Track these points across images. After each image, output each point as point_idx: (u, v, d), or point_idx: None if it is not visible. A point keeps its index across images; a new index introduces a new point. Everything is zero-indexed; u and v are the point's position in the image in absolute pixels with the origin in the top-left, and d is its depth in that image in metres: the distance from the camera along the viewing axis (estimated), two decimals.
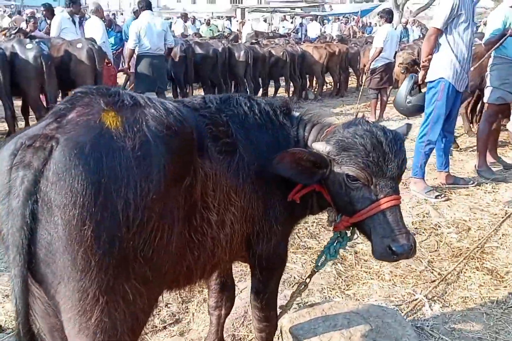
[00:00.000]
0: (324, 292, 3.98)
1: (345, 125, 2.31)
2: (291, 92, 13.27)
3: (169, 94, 11.42)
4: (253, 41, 14.02)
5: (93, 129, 1.55)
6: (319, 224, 5.25)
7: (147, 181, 1.58)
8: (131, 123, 1.63)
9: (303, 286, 2.78)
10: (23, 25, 12.04)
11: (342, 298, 3.89)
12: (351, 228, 2.42)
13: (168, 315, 3.64)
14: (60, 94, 8.91)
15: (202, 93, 12.08)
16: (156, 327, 3.49)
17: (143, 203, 1.56)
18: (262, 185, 2.25)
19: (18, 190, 1.45)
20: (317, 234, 5.09)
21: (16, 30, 9.01)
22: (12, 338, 3.12)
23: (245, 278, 4.12)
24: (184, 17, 20.32)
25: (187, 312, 3.70)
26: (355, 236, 2.54)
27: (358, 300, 3.86)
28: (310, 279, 2.82)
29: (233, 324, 3.50)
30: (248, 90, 12.00)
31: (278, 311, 2.75)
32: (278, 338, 3.12)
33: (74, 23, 9.92)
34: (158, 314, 3.64)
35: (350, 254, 4.63)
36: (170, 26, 14.27)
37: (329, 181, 2.26)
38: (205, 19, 21.15)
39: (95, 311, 1.55)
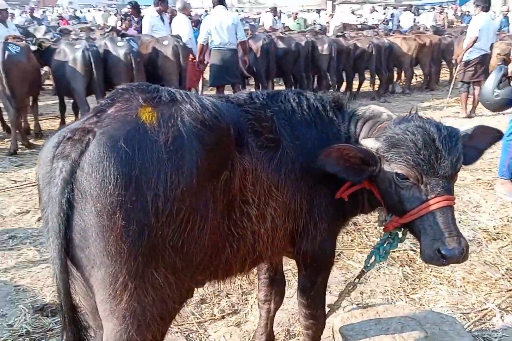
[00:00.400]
0: (387, 294, 3.85)
1: (396, 121, 2.21)
2: (376, 86, 12.87)
3: (252, 89, 11.60)
4: (339, 33, 13.74)
5: (128, 123, 1.65)
6: None
7: (177, 174, 1.64)
8: (166, 118, 1.70)
9: (351, 286, 2.72)
10: (118, 23, 12.80)
11: (406, 301, 3.74)
12: (402, 228, 2.32)
13: (228, 305, 3.74)
14: None
15: (284, 88, 12.12)
16: (214, 316, 3.61)
17: (172, 195, 1.63)
18: (308, 181, 2.23)
19: (57, 179, 1.59)
20: None
21: (109, 29, 9.60)
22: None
23: None
24: (274, 11, 20.46)
25: (246, 303, 3.77)
26: (407, 237, 2.44)
27: (423, 305, 3.70)
28: (359, 280, 2.75)
29: (289, 319, 3.52)
30: (331, 84, 11.84)
31: (326, 309, 2.71)
32: (332, 338, 3.09)
33: (163, 20, 10.38)
34: (218, 304, 3.76)
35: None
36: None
37: (379, 178, 2.18)
38: (292, 13, 21.10)
39: (124, 295, 1.64)
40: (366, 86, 13.25)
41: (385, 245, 2.51)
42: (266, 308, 2.92)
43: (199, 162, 1.71)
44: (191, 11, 12.24)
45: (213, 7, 9.07)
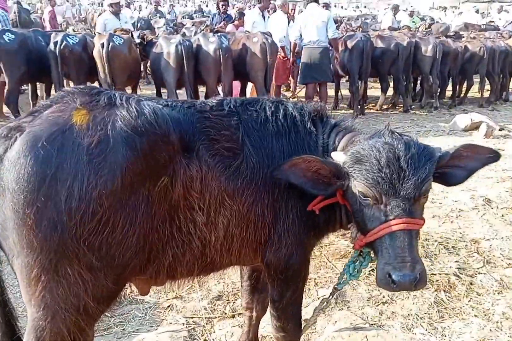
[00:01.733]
0: (409, 319, 3.61)
1: (368, 135, 2.11)
2: (486, 92, 11.84)
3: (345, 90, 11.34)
4: (449, 34, 12.82)
5: (56, 125, 1.75)
6: (441, 244, 4.72)
7: (96, 177, 1.71)
8: (97, 122, 1.78)
9: (325, 303, 2.62)
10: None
11: (426, 330, 3.48)
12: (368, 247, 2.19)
13: (241, 306, 3.77)
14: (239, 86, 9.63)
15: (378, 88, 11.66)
16: (225, 314, 3.67)
17: (88, 196, 1.70)
18: (272, 192, 2.17)
19: None
20: (435, 254, 4.58)
21: (204, 26, 9.99)
22: None
23: (328, 285, 4.00)
24: (395, 9, 19.63)
25: None
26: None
27: (445, 336, 3.41)
28: (332, 297, 2.62)
29: None
30: (433, 87, 11.14)
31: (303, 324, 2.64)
32: None
33: (264, 18, 10.54)
34: (233, 303, 3.81)
35: (462, 284, 4.07)
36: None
37: (347, 194, 2.10)
38: (411, 12, 20.03)
39: (38, 286, 1.76)
40: (474, 92, 12.26)
41: (356, 264, 2.40)
42: (248, 316, 2.91)
43: (126, 166, 1.76)
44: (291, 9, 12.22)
45: (307, 4, 9.00)
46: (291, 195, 2.21)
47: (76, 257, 1.76)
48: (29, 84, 9.60)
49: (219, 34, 8.75)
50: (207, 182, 2.02)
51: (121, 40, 8.67)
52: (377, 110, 11.41)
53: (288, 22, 10.39)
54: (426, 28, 15.91)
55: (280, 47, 9.57)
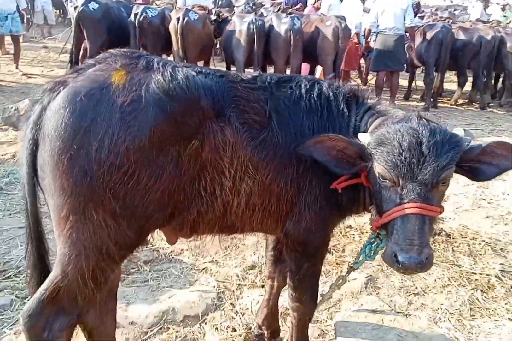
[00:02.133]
0: (438, 312, 3.55)
1: (396, 119, 2.12)
2: None
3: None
4: None
5: (96, 82, 1.90)
6: (489, 245, 4.55)
7: (125, 133, 1.84)
8: (133, 83, 1.91)
9: (341, 280, 2.68)
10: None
11: (453, 325, 3.42)
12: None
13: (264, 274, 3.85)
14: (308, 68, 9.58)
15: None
16: (255, 283, 3.80)
17: (116, 150, 1.84)
18: (298, 168, 2.23)
19: (30, 119, 1.94)
20: (480, 254, 4.43)
21: (279, 7, 9.99)
22: None
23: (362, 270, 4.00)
24: (485, 1, 18.58)
25: None
26: None
27: (471, 333, 3.34)
28: (348, 275, 2.69)
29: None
30: None
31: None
32: None
33: (341, 1, 10.37)
34: None
35: (502, 286, 3.92)
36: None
37: (370, 175, 2.13)
38: (504, 5, 18.76)
39: (66, 225, 1.93)
40: None
41: (372, 245, 2.44)
42: (270, 284, 3.00)
43: (155, 126, 1.88)
44: None
45: None
46: (316, 172, 2.25)
47: (102, 203, 1.91)
48: None
49: (292, 15, 8.72)
50: (237, 147, 2.11)
51: (196, 15, 8.88)
52: (451, 104, 10.96)
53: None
54: None
55: (355, 33, 9.40)
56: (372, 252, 2.45)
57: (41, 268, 2.16)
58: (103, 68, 1.98)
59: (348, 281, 3.82)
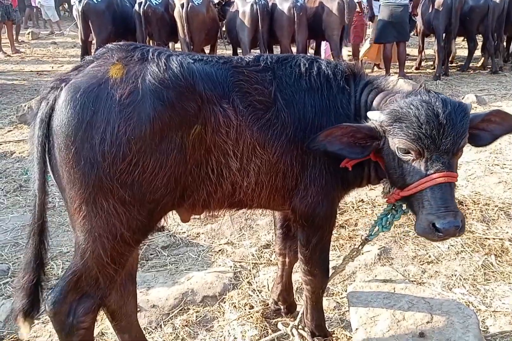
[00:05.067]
0: (451, 279, 3.61)
1: (404, 94, 2.17)
2: None
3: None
4: None
5: (94, 78, 1.98)
6: (502, 210, 4.56)
7: (125, 125, 1.92)
8: (129, 76, 1.98)
9: (355, 252, 2.75)
10: None
11: (467, 290, 3.48)
12: (404, 201, 2.31)
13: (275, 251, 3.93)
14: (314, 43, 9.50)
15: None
16: (270, 261, 3.90)
17: (118, 141, 1.92)
18: (302, 145, 2.28)
19: (37, 117, 2.03)
20: (494, 219, 4.44)
21: None
22: None
23: (375, 242, 4.07)
24: None
25: None
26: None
27: (485, 297, 3.40)
28: (362, 247, 2.77)
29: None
30: None
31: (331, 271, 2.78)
32: None
33: None
34: None
35: None
36: None
37: (384, 151, 2.20)
38: None
39: (80, 215, 2.04)
40: None
41: (388, 216, 2.53)
42: (281, 261, 3.09)
43: (154, 115, 1.95)
44: None
45: None
46: None
47: (111, 192, 2.00)
48: None
49: None
50: (242, 130, 2.17)
51: (199, 0, 8.86)
52: (462, 71, 10.76)
53: None
54: None
55: (357, 2, 9.26)
56: (388, 222, 2.54)
57: (36, 264, 2.18)
58: (100, 63, 2.06)
59: (362, 253, 3.90)
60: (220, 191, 2.26)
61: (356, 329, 2.61)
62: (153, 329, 3.13)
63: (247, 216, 4.48)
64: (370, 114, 2.21)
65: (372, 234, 2.63)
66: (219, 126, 2.12)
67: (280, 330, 3.00)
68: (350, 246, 4.08)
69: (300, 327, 2.92)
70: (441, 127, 2.01)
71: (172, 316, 3.23)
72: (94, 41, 9.84)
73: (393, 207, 2.50)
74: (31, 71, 12.06)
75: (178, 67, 2.06)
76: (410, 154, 2.09)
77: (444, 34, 9.84)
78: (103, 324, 3.09)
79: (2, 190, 5.28)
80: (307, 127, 2.28)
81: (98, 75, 2.00)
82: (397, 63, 9.58)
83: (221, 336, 3.06)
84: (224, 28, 10.90)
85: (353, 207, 4.73)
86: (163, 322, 3.19)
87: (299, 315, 2.98)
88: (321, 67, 2.35)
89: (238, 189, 2.29)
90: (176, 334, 3.08)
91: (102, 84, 1.96)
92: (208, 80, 2.12)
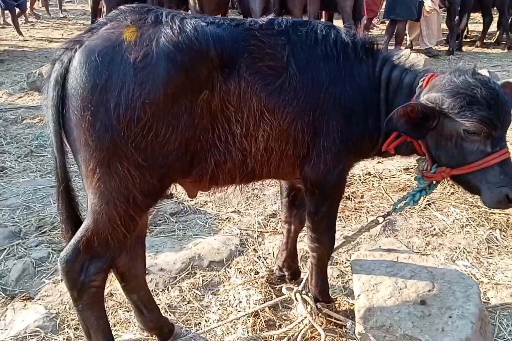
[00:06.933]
0: (455, 252, 3.66)
1: (454, 74, 2.21)
2: None
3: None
4: None
5: (108, 40, 1.97)
6: None
7: (140, 88, 1.92)
8: (143, 38, 1.96)
9: (374, 223, 2.80)
10: None
11: (470, 263, 3.52)
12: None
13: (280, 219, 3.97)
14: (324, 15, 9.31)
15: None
16: (276, 230, 3.96)
17: (133, 105, 1.93)
18: (314, 112, 2.28)
19: (52, 78, 2.03)
20: None
21: None
22: None
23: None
24: None
25: None
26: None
27: (488, 270, 3.44)
28: (384, 219, 2.81)
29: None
30: None
31: (341, 241, 2.83)
32: None
33: None
34: None
35: None
36: None
37: (435, 132, 2.24)
38: None
39: (94, 177, 2.06)
40: None
41: (422, 192, 2.58)
42: (286, 228, 3.14)
43: (167, 79, 1.95)
44: None
45: None
46: (334, 116, 2.31)
47: (125, 156, 2.02)
48: None
49: None
50: (245, 97, 2.15)
51: None
52: (476, 46, 10.56)
53: None
54: None
55: None
56: (419, 198, 2.60)
57: (74, 221, 2.30)
58: (114, 25, 2.03)
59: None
60: (229, 160, 2.27)
61: (358, 295, 2.66)
62: (161, 291, 3.21)
63: (254, 186, 4.52)
64: (431, 96, 2.21)
65: (397, 207, 2.67)
66: (222, 93, 2.11)
67: (284, 294, 3.06)
68: (355, 217, 4.13)
69: (304, 292, 2.98)
70: (503, 107, 2.13)
71: (179, 280, 3.32)
72: (104, 9, 9.70)
73: (429, 184, 2.55)
74: (42, 38, 11.98)
75: (193, 31, 2.04)
76: (477, 135, 2.15)
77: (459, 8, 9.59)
78: (112, 285, 3.17)
79: (14, 154, 5.35)
80: (321, 94, 2.27)
81: (112, 37, 1.98)
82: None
83: (227, 300, 3.15)
84: None
85: (360, 180, 4.75)
86: (171, 285, 3.27)
87: (303, 281, 3.04)
88: (340, 35, 2.33)
89: (248, 155, 2.29)
90: (183, 297, 3.17)
91: (117, 46, 1.95)
92: (219, 44, 2.09)
